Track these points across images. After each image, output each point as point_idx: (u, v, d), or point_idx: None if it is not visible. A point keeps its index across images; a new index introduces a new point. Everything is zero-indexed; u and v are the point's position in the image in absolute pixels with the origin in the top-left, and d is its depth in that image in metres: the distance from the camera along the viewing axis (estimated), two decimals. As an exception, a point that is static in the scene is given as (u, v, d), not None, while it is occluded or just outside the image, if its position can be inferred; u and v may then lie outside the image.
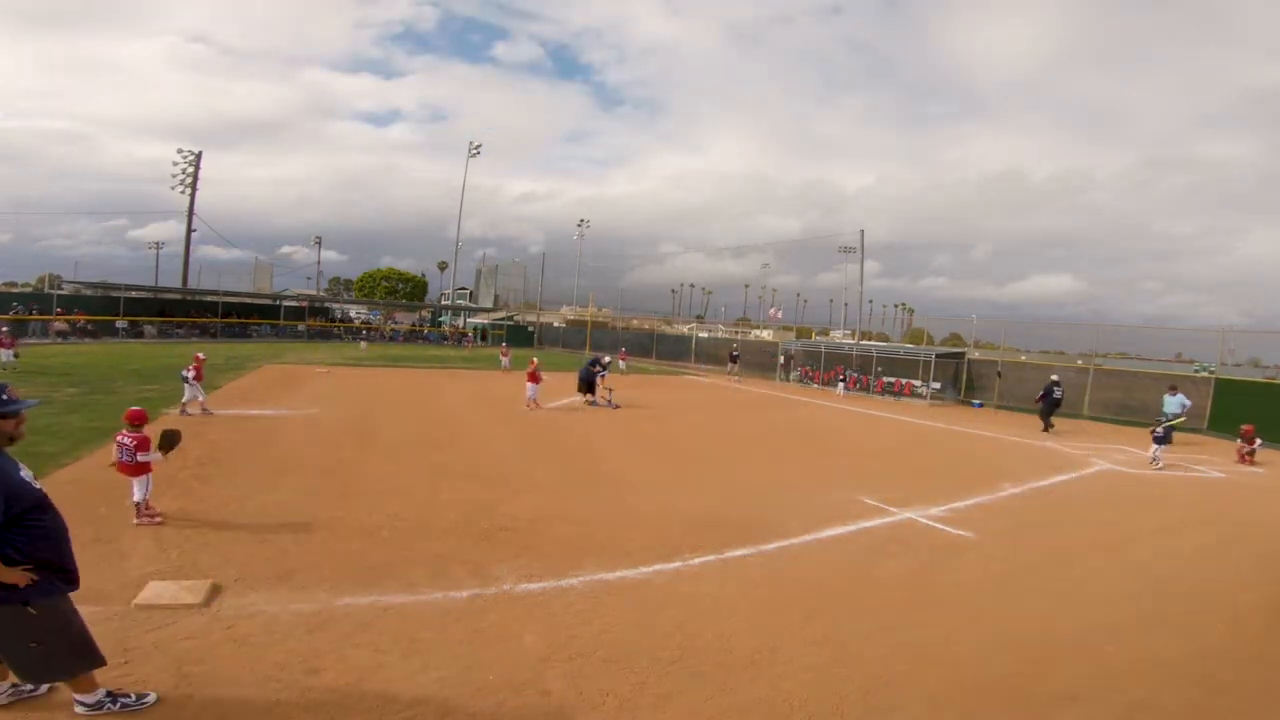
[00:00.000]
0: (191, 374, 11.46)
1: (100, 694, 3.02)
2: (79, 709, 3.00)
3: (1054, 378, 17.83)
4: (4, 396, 2.87)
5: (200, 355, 12.36)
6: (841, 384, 24.04)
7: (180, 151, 43.43)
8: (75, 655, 2.91)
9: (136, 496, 5.67)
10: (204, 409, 11.53)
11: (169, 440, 5.82)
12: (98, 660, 2.98)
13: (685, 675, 3.74)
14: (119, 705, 3.02)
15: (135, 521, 5.60)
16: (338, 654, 3.73)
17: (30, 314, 29.48)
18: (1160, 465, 12.08)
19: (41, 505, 2.84)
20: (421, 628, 4.12)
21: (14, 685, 3.16)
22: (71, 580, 2.92)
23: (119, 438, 5.73)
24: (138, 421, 5.83)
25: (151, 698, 3.11)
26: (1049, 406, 16.91)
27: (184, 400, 11.54)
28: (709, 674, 3.77)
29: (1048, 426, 16.57)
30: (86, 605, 4.07)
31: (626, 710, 3.38)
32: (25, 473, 2.87)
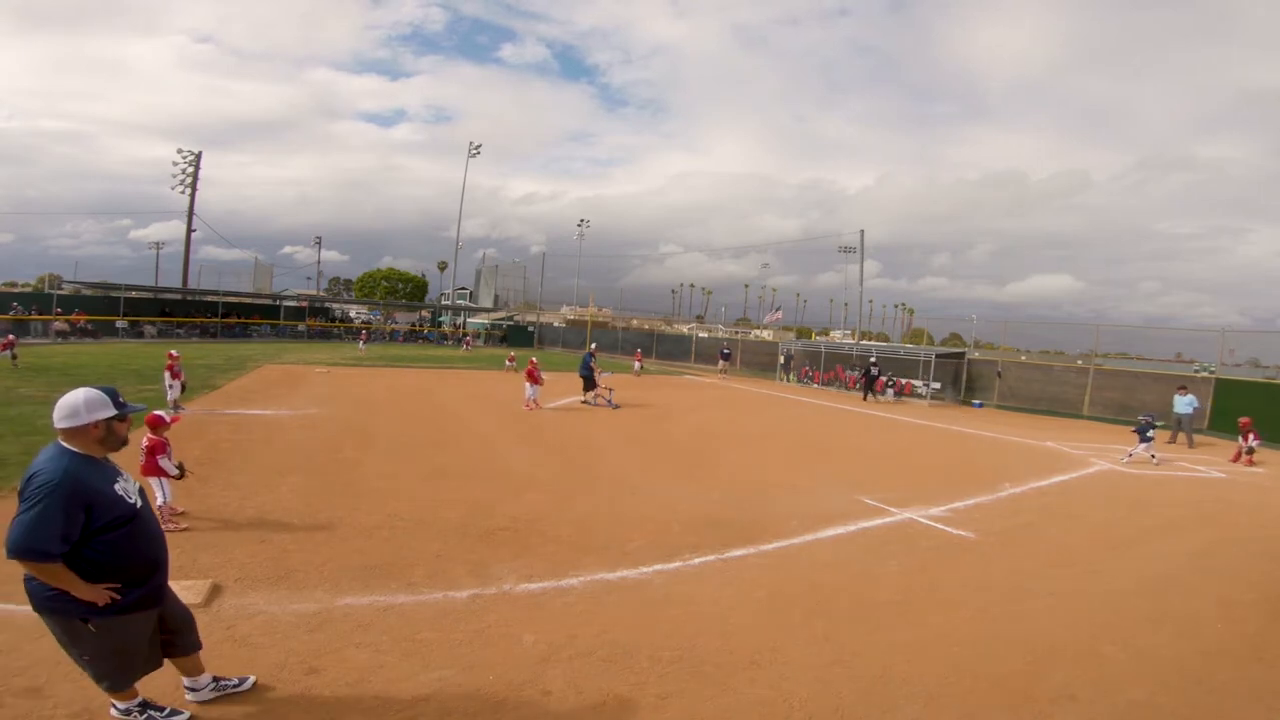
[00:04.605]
0: (167, 376, 11.62)
1: (135, 704, 2.99)
2: (112, 711, 3.01)
3: (872, 359, 23.14)
4: (120, 399, 2.78)
5: (172, 353, 12.38)
6: (892, 388, 23.00)
7: (180, 151, 43.51)
8: (123, 672, 2.88)
9: (159, 500, 5.58)
10: (175, 405, 11.55)
11: (181, 469, 5.86)
12: (141, 672, 2.95)
13: (685, 675, 3.74)
14: (145, 716, 3.00)
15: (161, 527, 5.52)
16: (338, 654, 3.73)
17: (30, 314, 29.46)
18: (1157, 460, 12.09)
19: (129, 518, 2.73)
20: (421, 628, 4.12)
21: (215, 679, 3.24)
22: (145, 599, 2.80)
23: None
24: (156, 425, 5.81)
25: (185, 716, 3.07)
26: (867, 383, 22.35)
27: (175, 399, 11.65)
28: (709, 674, 3.77)
29: (866, 398, 22.03)
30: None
31: (626, 710, 3.38)
32: (123, 483, 2.78)
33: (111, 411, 2.73)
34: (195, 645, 3.13)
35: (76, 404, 2.66)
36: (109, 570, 2.67)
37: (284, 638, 3.88)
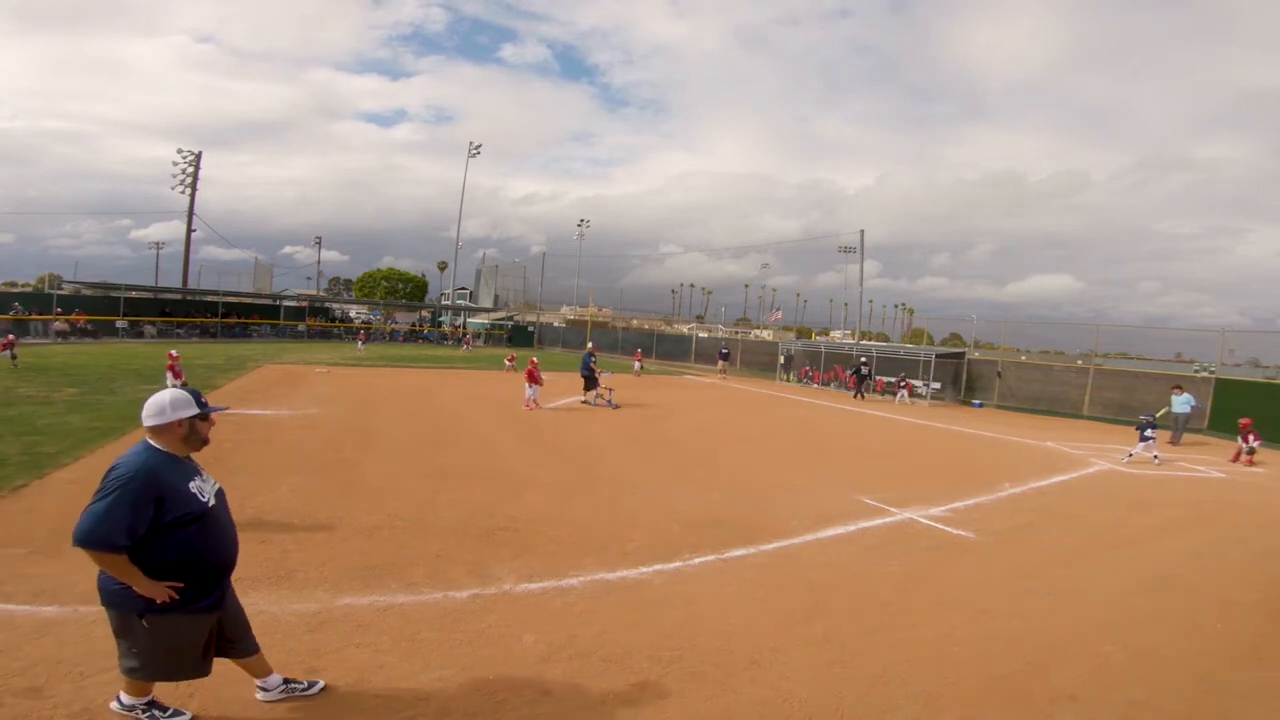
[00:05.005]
0: (169, 376, 11.63)
1: (142, 701, 3.02)
2: (114, 705, 3.03)
3: (862, 359, 23.78)
4: (202, 400, 2.89)
5: (172, 353, 12.39)
6: (904, 389, 22.22)
7: (180, 151, 43.52)
8: (168, 670, 2.92)
9: None
10: None
11: None
12: (188, 676, 2.98)
13: (685, 675, 3.74)
14: (149, 715, 3.02)
15: None
16: (338, 654, 3.73)
17: (30, 314, 29.44)
18: (1159, 460, 12.09)
19: (199, 516, 2.78)
20: (421, 628, 4.12)
21: (285, 681, 3.27)
22: (202, 601, 2.82)
23: None
24: None
25: (187, 716, 3.08)
26: (859, 381, 22.82)
27: None
28: (709, 674, 3.77)
29: (859, 396, 22.58)
30: (87, 605, 4.09)
31: (626, 710, 3.38)
32: (199, 482, 2.84)
33: (194, 410, 2.84)
34: (254, 648, 3.15)
35: (163, 403, 2.79)
36: (175, 566, 2.73)
37: (284, 638, 3.87)
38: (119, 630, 2.79)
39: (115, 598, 2.71)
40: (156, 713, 3.01)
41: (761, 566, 5.63)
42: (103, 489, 2.61)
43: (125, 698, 3.00)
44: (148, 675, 2.90)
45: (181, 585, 2.73)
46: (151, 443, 2.79)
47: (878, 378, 24.20)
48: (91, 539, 2.53)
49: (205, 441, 2.94)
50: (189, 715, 3.08)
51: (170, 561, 2.71)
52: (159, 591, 2.68)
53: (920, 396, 22.50)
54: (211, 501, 2.88)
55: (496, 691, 3.46)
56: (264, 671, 3.23)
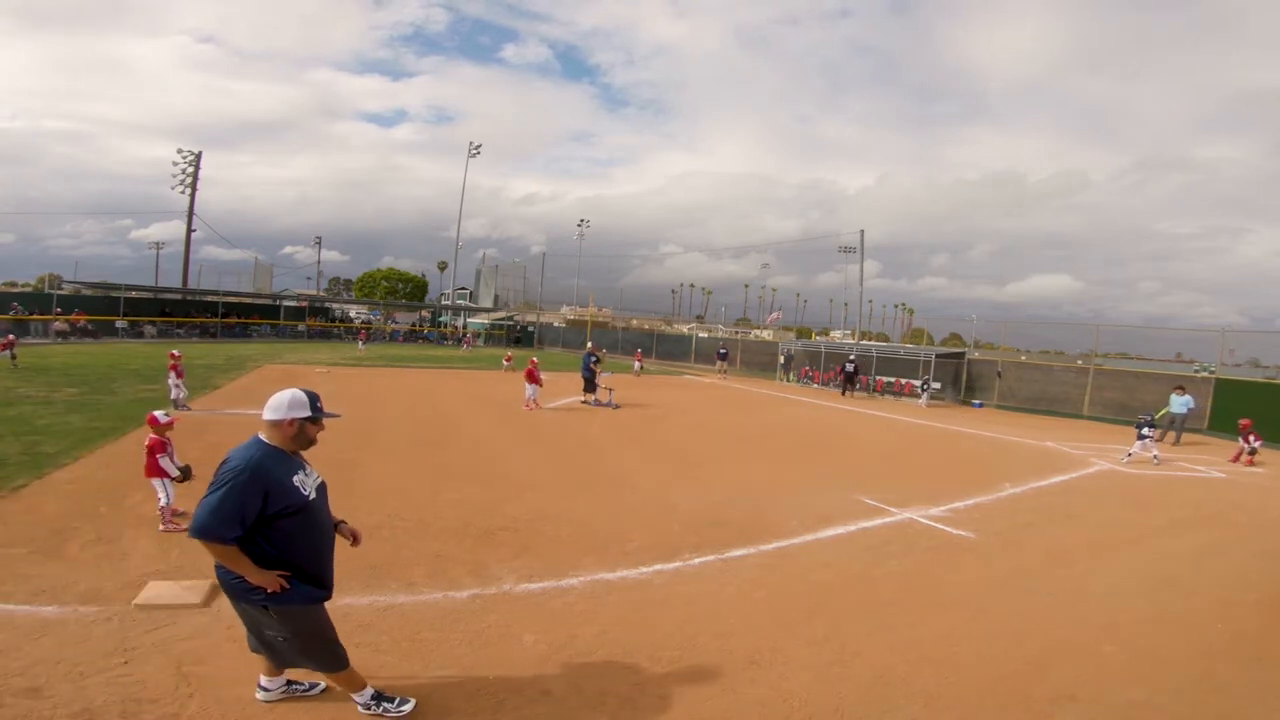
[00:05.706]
0: (172, 375, 11.71)
1: (367, 694, 3.16)
2: (360, 709, 3.16)
3: (851, 357, 24.08)
4: (318, 405, 3.02)
5: (174, 353, 12.46)
6: (925, 394, 21.66)
7: (180, 151, 43.53)
8: (337, 651, 3.04)
9: (162, 501, 5.63)
10: (177, 405, 11.57)
11: (185, 472, 5.88)
12: (335, 666, 3.06)
13: (685, 675, 3.74)
14: (380, 708, 3.15)
15: (161, 528, 5.55)
16: (338, 654, 3.73)
17: (30, 314, 29.42)
18: (1158, 460, 12.09)
19: (299, 509, 2.86)
20: (421, 628, 4.13)
21: (288, 682, 3.31)
22: (316, 590, 2.94)
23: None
24: (151, 425, 5.82)
25: (410, 704, 3.20)
26: (847, 379, 23.25)
27: (180, 399, 11.68)
28: (709, 674, 3.77)
29: (844, 392, 23.08)
30: (87, 605, 4.10)
31: (626, 710, 3.38)
32: (302, 476, 2.94)
33: (307, 413, 2.96)
34: None
35: (283, 401, 2.93)
36: (279, 557, 2.82)
37: (284, 638, 3.87)
38: (258, 622, 2.89)
39: (235, 590, 2.83)
40: (387, 705, 3.16)
41: (761, 566, 5.63)
42: (215, 482, 2.73)
43: (358, 696, 3.15)
44: (335, 665, 3.03)
45: (289, 574, 2.82)
46: (262, 437, 2.92)
47: (878, 378, 24.20)
48: (205, 531, 2.65)
49: (312, 442, 3.04)
50: (413, 702, 3.21)
51: (275, 553, 2.80)
52: (270, 580, 2.76)
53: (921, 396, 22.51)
54: (312, 495, 2.96)
55: (496, 691, 3.46)
56: (278, 670, 3.25)
